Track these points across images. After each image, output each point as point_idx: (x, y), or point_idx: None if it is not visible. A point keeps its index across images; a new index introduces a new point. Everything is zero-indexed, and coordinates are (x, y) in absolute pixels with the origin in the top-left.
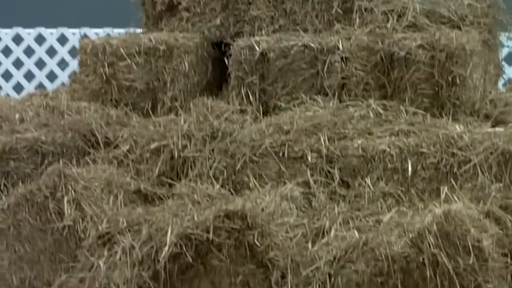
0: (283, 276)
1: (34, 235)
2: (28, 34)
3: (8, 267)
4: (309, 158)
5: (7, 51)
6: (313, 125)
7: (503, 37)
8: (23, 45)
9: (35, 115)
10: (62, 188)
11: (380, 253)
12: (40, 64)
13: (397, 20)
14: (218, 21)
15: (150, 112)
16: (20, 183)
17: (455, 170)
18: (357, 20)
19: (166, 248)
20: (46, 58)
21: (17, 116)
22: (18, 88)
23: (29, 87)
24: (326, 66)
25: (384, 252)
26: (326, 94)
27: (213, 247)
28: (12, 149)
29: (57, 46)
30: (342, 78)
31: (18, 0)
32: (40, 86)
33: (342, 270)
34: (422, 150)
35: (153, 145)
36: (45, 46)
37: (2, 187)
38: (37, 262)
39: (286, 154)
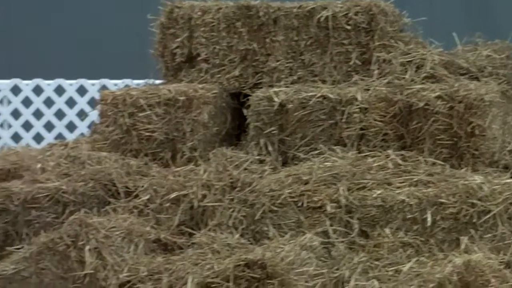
0: None
1: (56, 283)
2: (48, 85)
3: None
4: (328, 208)
5: (27, 102)
6: (332, 176)
7: None
8: (43, 96)
9: (56, 165)
10: (83, 237)
11: None
12: (60, 114)
13: (415, 71)
14: (237, 72)
15: (170, 162)
16: (42, 232)
17: (474, 220)
18: (376, 71)
19: None
20: (65, 108)
21: (38, 166)
22: (38, 138)
23: (49, 138)
24: (344, 117)
25: None
26: (345, 145)
27: None
28: (34, 198)
29: (76, 97)
30: (361, 128)
31: (39, 53)
32: (60, 136)
33: None
34: (442, 201)
35: (172, 195)
36: (65, 97)
37: (24, 236)
38: None
39: (305, 204)
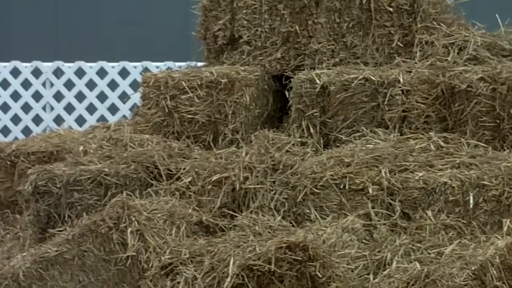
0: None
1: (98, 265)
2: (90, 68)
3: None
4: (370, 191)
5: (69, 85)
6: (374, 158)
7: None
8: (85, 79)
9: (98, 147)
10: (125, 219)
11: (442, 285)
12: (102, 97)
13: (458, 53)
14: (279, 55)
15: (212, 145)
16: (84, 214)
17: None
18: (418, 53)
19: (228, 279)
20: (107, 91)
21: (80, 148)
22: (80, 120)
23: (91, 120)
24: (386, 99)
25: (446, 284)
26: (387, 127)
27: (275, 278)
28: (76, 180)
29: (118, 79)
30: (403, 111)
31: (80, 36)
32: (102, 119)
33: None
34: (484, 183)
35: (214, 177)
36: (107, 79)
37: (66, 218)
38: None
39: (347, 186)
